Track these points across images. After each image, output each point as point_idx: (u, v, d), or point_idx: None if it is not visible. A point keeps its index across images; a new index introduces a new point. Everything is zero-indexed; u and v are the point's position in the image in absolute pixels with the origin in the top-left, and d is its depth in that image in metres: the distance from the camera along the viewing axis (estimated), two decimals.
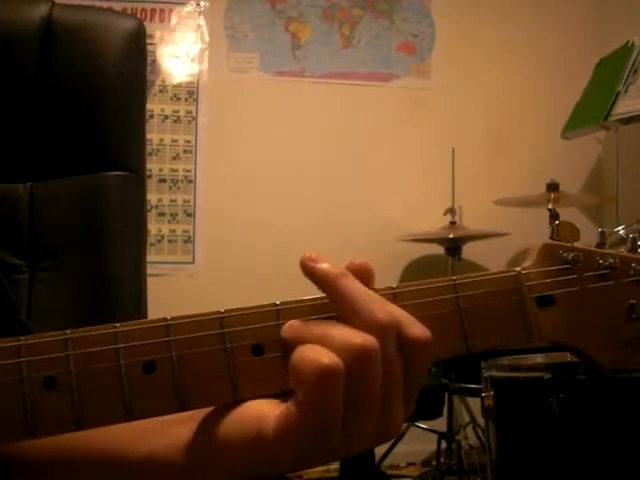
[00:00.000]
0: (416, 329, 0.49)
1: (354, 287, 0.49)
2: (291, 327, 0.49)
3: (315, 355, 0.46)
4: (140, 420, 0.48)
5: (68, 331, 0.48)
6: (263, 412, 0.48)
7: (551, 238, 0.55)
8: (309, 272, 0.50)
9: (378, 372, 0.47)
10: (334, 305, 0.49)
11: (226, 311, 0.50)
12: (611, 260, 0.54)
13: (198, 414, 0.52)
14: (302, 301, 0.51)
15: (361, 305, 0.48)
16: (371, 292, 0.50)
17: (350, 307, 0.48)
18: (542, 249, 0.55)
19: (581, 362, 0.54)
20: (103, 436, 0.55)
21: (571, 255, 0.54)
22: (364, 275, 0.51)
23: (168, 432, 0.53)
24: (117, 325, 0.48)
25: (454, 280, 0.52)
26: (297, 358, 0.47)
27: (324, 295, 0.51)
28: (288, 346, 0.48)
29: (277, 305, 0.50)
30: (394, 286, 0.52)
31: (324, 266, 0.49)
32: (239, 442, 0.49)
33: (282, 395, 0.49)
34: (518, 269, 0.54)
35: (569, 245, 0.55)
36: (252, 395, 0.49)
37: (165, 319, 0.49)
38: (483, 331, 0.52)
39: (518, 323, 0.52)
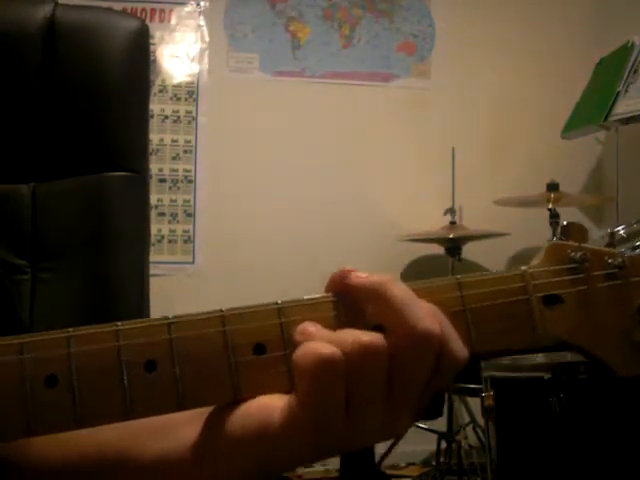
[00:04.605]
0: (457, 346, 0.49)
1: (405, 294, 0.49)
2: (304, 329, 0.49)
3: (316, 347, 0.47)
4: (149, 421, 0.48)
5: (70, 329, 0.48)
6: (267, 404, 0.49)
7: (559, 239, 0.55)
8: (356, 285, 0.50)
9: (381, 369, 0.47)
10: (380, 313, 0.49)
11: (227, 310, 0.49)
12: (620, 260, 0.53)
13: (205, 413, 0.52)
14: (303, 300, 0.50)
15: (409, 312, 0.48)
16: (419, 301, 0.49)
17: (397, 315, 0.48)
18: (549, 249, 0.54)
19: (588, 363, 0.53)
20: (113, 439, 0.56)
21: (579, 254, 0.53)
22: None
23: (178, 432, 0.53)
24: (119, 323, 0.48)
25: (458, 279, 0.52)
26: (299, 351, 0.47)
27: (324, 295, 0.51)
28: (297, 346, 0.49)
29: (278, 304, 0.50)
30: None
31: (371, 277, 0.50)
32: (243, 435, 0.49)
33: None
34: (524, 268, 0.53)
35: (577, 245, 0.54)
36: (253, 394, 0.49)
37: (167, 318, 0.49)
38: (489, 330, 0.51)
39: (524, 322, 0.52)
